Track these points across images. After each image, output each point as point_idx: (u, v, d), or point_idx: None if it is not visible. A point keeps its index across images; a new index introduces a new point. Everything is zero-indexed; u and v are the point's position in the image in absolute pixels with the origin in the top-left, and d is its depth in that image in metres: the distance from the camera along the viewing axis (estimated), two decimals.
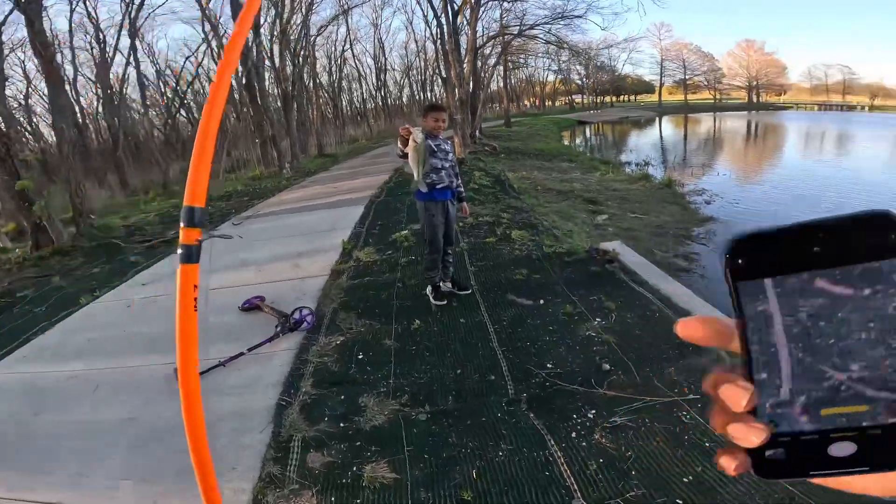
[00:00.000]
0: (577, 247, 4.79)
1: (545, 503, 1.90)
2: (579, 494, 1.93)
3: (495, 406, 2.49)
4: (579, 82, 55.61)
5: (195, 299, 0.32)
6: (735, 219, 7.03)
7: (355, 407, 2.52)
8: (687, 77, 59.38)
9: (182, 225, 0.34)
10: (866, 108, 63.12)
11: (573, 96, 58.20)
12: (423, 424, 2.36)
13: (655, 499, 1.91)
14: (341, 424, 2.40)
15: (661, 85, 59.03)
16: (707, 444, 2.25)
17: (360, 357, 3.01)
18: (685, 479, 2.04)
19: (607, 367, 2.82)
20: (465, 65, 13.60)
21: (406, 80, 38.52)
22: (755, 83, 63.13)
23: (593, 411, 2.47)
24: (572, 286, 3.89)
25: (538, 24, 16.07)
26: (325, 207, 7.61)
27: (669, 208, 7.12)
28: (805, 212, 7.87)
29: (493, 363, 2.86)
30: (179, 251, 0.35)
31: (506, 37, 17.24)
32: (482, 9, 14.46)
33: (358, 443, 2.26)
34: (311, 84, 18.34)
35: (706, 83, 61.70)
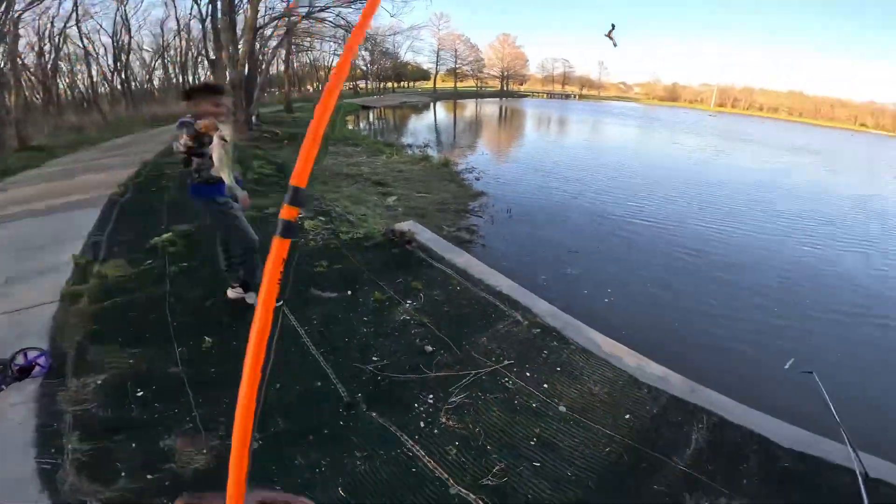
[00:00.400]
0: (373, 230, 4.90)
1: (425, 500, 1.90)
2: (453, 482, 2.00)
3: (333, 415, 2.36)
4: (364, 68, 56.04)
5: (281, 272, 0.41)
6: (497, 192, 8.34)
7: (158, 453, 2.07)
8: (457, 66, 66.10)
9: (285, 202, 0.40)
10: (576, 97, 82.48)
11: (357, 82, 58.34)
12: (258, 454, 2.09)
13: (515, 468, 2.13)
14: (149, 476, 1.95)
15: (437, 72, 64.24)
16: (534, 405, 2.61)
17: (139, 394, 2.46)
18: (531, 442, 2.34)
19: (430, 348, 2.97)
20: (241, 45, 12.04)
21: (160, 62, 31.93)
22: (506, 73, 74.82)
23: (431, 396, 2.56)
24: (377, 271, 3.98)
25: (329, 7, 15.26)
26: (39, 214, 5.69)
27: (448, 186, 7.95)
28: (541, 180, 9.90)
29: (314, 369, 2.70)
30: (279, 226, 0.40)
31: (291, 18, 15.86)
32: None
33: (184, 492, 1.85)
34: (10, 65, 13.34)
35: (471, 72, 70.00)
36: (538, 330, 3.26)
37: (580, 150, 16.77)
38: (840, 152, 28.34)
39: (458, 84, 66.51)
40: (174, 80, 34.70)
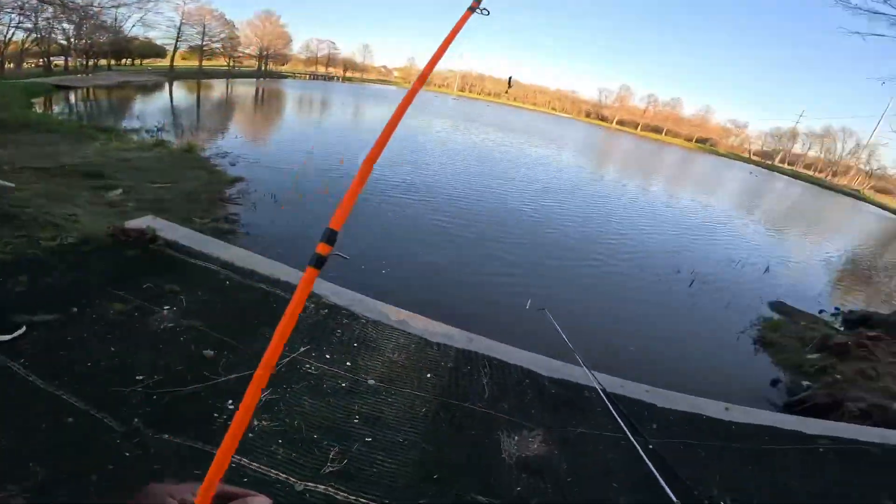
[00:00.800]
0: (92, 232, 4.00)
1: None
2: (294, 479, 1.91)
3: (113, 448, 1.96)
4: (64, 42, 42.28)
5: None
6: (258, 176, 7.84)
7: None
8: (204, 43, 56.64)
9: (321, 240, 0.46)
10: (340, 79, 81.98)
11: (52, 58, 43.60)
12: None
13: (350, 449, 2.10)
14: None
15: (176, 49, 53.78)
16: (344, 385, 2.61)
17: None
18: (355, 420, 2.34)
19: (210, 352, 2.69)
20: None
21: None
22: (266, 53, 68.21)
23: (230, 401, 2.34)
24: (112, 279, 3.32)
25: None
26: None
27: (196, 173, 7.02)
28: (308, 161, 9.78)
29: (57, 405, 2.15)
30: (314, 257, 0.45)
31: None
32: None
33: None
34: None
35: (223, 50, 61.24)
36: (326, 311, 3.34)
37: (346, 130, 17.04)
38: (539, 131, 36.75)
39: (206, 63, 57.67)
40: None
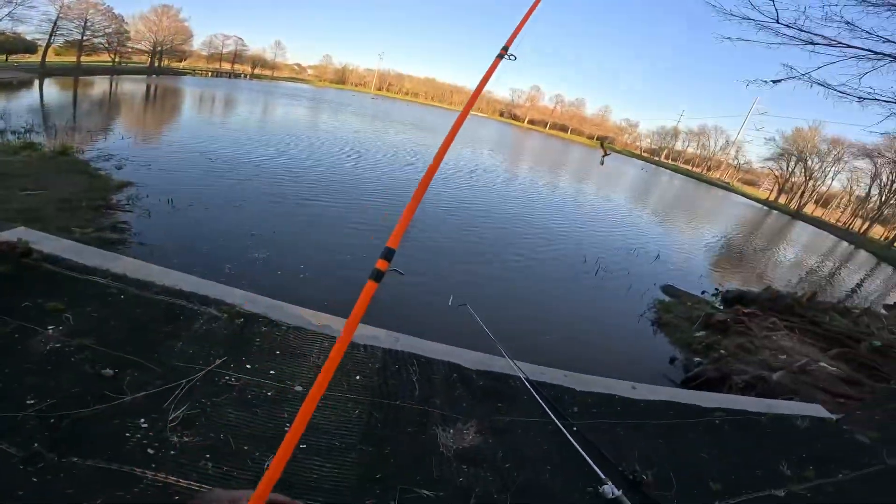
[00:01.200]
0: None
1: None
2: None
3: (17, 475, 1.80)
4: None
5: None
6: (151, 181, 7.19)
7: None
8: (85, 38, 49.84)
9: (381, 257, 0.54)
10: (247, 77, 77.10)
11: None
12: None
13: (290, 458, 1.98)
14: None
15: (49, 45, 46.71)
16: (269, 393, 2.49)
17: None
18: (285, 428, 2.18)
19: (110, 371, 2.46)
20: None
21: None
22: (160, 48, 61.85)
23: (142, 420, 2.18)
24: None
25: None
26: None
27: (74, 178, 6.26)
28: (206, 164, 9.15)
29: None
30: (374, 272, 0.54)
31: None
32: None
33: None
34: None
35: (107, 45, 54.42)
36: (241, 320, 3.19)
37: (249, 132, 16.13)
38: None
39: (86, 59, 51.04)
40: None
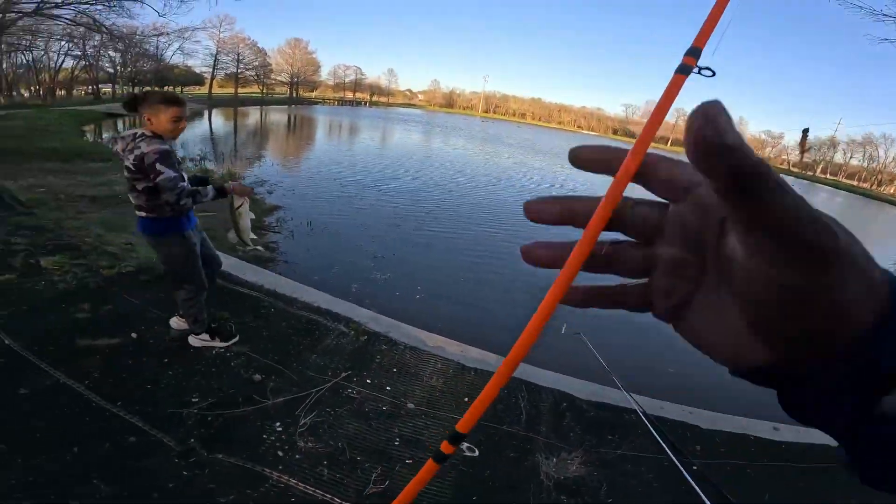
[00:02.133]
0: (149, 260, 4.25)
1: None
2: (338, 499, 1.99)
3: (168, 468, 2.06)
4: (111, 70, 45.74)
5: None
6: (294, 204, 8.15)
7: None
8: (239, 71, 59.84)
9: (446, 440, 0.37)
10: (367, 104, 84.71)
11: (100, 85, 47.25)
12: None
13: (393, 469, 2.18)
14: None
15: (213, 77, 56.89)
16: (384, 408, 2.68)
17: None
18: (395, 443, 2.40)
19: (258, 377, 2.81)
20: None
21: None
22: (296, 79, 71.32)
23: (278, 424, 2.44)
24: (167, 306, 3.50)
25: (69, 3, 11.84)
26: None
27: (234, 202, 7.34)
28: (338, 188, 10.08)
29: (117, 425, 2.30)
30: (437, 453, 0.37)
31: (7, 15, 11.83)
32: None
33: None
34: None
35: (256, 77, 64.39)
36: (365, 337, 3.45)
37: (373, 156, 17.53)
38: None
39: (241, 90, 60.72)
40: None
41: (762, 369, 0.22)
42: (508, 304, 5.39)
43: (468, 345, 3.67)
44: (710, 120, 0.16)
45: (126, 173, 2.51)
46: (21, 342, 2.94)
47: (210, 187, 2.73)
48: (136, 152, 2.43)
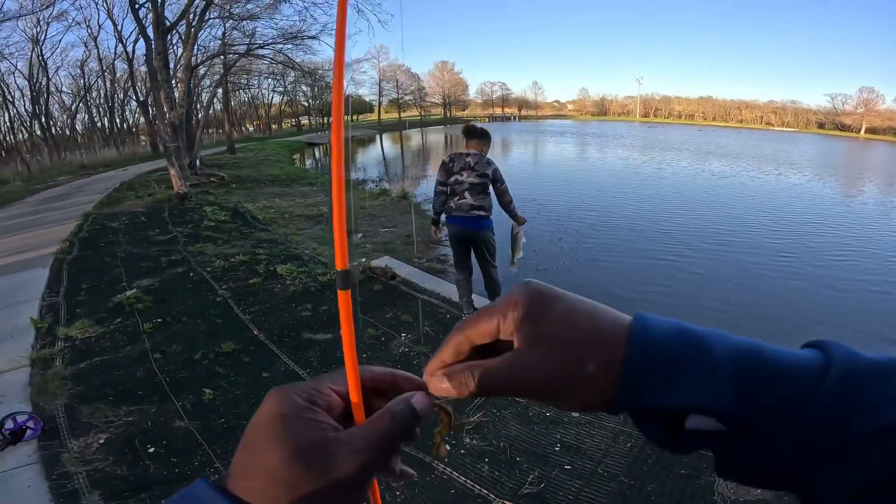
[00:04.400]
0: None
1: None
2: (494, 496, 2.11)
3: None
4: (306, 104, 55.78)
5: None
6: None
7: None
8: (399, 96, 66.94)
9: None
10: (516, 118, 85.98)
11: (300, 118, 58.09)
12: None
13: (549, 474, 2.23)
14: None
15: (380, 104, 64.83)
16: (548, 414, 2.71)
17: (150, 451, 2.43)
18: (556, 448, 2.43)
19: None
20: (177, 86, 11.80)
21: (82, 105, 30.58)
22: (448, 100, 76.79)
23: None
24: (364, 309, 4.09)
25: (268, 44, 15.21)
26: None
27: (410, 218, 8.10)
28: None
29: None
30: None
31: (229, 56, 15.71)
32: (203, 26, 12.78)
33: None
34: None
35: (414, 101, 71.07)
36: None
37: (528, 170, 17.62)
38: (763, 155, 31.24)
39: (402, 114, 67.49)
40: (98, 124, 33.24)
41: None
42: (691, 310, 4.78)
43: None
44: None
45: (476, 179, 3.42)
46: (265, 333, 3.73)
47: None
48: (493, 166, 3.44)
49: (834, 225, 9.42)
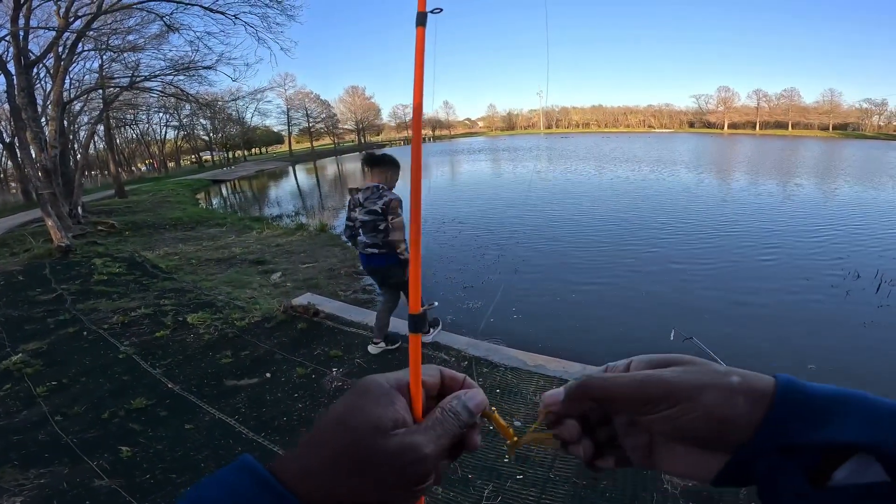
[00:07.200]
0: (269, 311, 4.78)
1: None
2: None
3: None
4: (206, 138, 51.81)
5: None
6: None
7: None
8: (310, 125, 64.68)
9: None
10: (430, 139, 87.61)
11: (200, 154, 54.06)
12: None
13: (504, 485, 2.25)
14: None
15: (290, 134, 62.21)
16: (491, 428, 2.81)
17: None
18: (505, 460, 2.46)
19: None
20: (47, 124, 10.54)
21: None
22: (361, 126, 75.92)
23: None
24: (289, 349, 3.98)
25: (155, 76, 14.06)
26: None
27: (332, 251, 7.97)
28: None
29: (265, 455, 2.66)
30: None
31: (108, 90, 14.29)
32: (75, 59, 11.51)
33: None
34: None
35: (326, 129, 69.11)
36: (466, 362, 3.60)
37: (447, 191, 18.10)
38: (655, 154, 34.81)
39: (315, 143, 65.69)
40: None
41: (721, 476, 0.28)
42: (604, 311, 5.22)
43: (568, 360, 3.65)
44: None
45: (366, 216, 3.36)
46: (181, 385, 3.47)
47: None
48: (385, 199, 3.33)
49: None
